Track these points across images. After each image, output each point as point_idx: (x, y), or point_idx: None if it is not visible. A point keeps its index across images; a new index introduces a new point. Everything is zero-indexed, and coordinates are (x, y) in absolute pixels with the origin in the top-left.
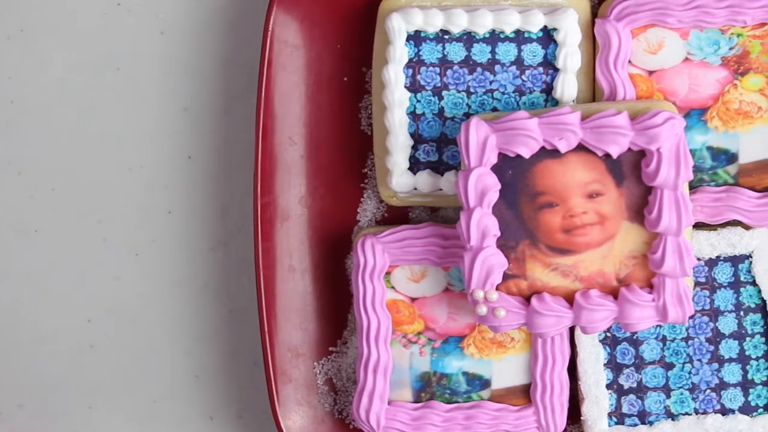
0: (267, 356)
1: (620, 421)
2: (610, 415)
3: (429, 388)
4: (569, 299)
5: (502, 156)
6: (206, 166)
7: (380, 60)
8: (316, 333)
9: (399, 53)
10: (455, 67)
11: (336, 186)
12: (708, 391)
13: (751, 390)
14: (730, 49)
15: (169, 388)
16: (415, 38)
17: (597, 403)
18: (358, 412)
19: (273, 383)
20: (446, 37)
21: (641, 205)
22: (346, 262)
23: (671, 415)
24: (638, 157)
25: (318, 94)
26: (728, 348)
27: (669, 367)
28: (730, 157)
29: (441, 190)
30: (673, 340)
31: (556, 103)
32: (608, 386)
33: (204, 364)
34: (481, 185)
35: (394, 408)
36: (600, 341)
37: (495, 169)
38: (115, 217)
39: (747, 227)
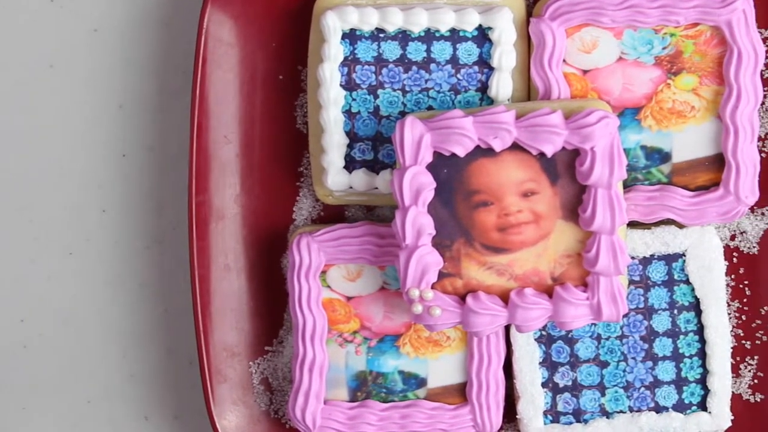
0: (202, 356)
1: (556, 420)
2: (545, 413)
3: (365, 387)
4: (504, 298)
5: (437, 155)
6: (141, 165)
7: (315, 58)
8: (251, 332)
9: (334, 51)
10: (390, 66)
11: (271, 185)
12: (642, 389)
13: (684, 388)
14: (664, 48)
15: (104, 389)
16: (351, 36)
17: (532, 402)
18: (294, 411)
19: (208, 383)
20: (381, 35)
21: (576, 203)
22: (281, 261)
23: (606, 413)
24: (573, 156)
25: (253, 92)
26: (662, 346)
27: (604, 365)
28: (664, 156)
29: (376, 188)
30: (607, 339)
31: (491, 101)
32: (543, 385)
33: (139, 363)
34: (416, 184)
35: (329, 407)
36: (535, 340)
37: (430, 167)
38: (47, 215)
39: (680, 226)
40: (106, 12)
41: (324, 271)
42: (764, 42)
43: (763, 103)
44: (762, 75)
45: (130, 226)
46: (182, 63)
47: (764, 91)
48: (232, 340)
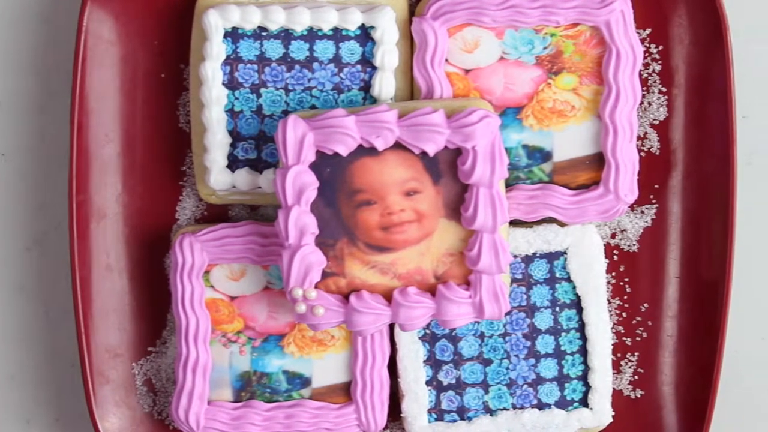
0: (84, 357)
1: (440, 418)
2: (429, 411)
3: (249, 388)
4: (388, 297)
5: (320, 154)
6: (20, 164)
7: (197, 57)
8: (134, 333)
9: (216, 50)
10: (273, 65)
11: (154, 184)
12: (525, 386)
13: (566, 385)
14: (544, 48)
15: None
16: (233, 35)
17: (417, 400)
18: (177, 412)
19: (90, 385)
20: (264, 34)
21: (458, 202)
22: (164, 261)
23: (489, 411)
24: (455, 155)
25: (134, 90)
26: (544, 343)
27: (487, 363)
28: (545, 156)
29: (260, 188)
30: (490, 337)
31: (374, 101)
32: (428, 383)
33: (20, 366)
34: (299, 183)
35: (213, 408)
36: (419, 338)
37: (313, 167)
38: None
39: (562, 224)
40: None
41: (207, 271)
42: (642, 42)
43: (641, 103)
44: (640, 75)
45: (9, 226)
46: (62, 61)
47: (642, 91)
48: (115, 342)
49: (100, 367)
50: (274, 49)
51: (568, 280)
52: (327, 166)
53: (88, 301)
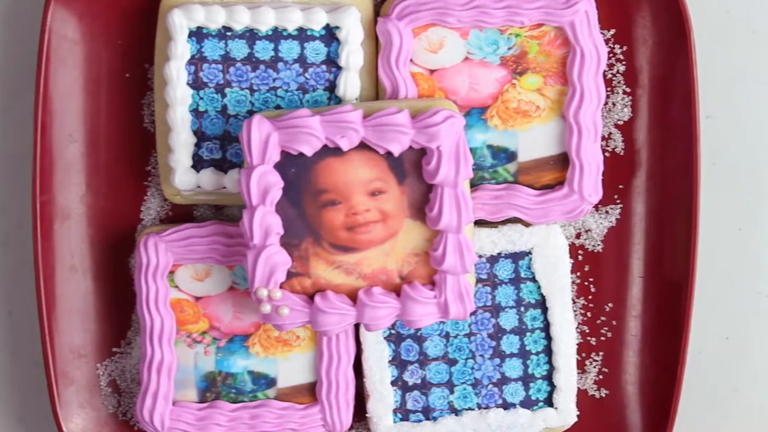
0: (48, 358)
1: (405, 418)
2: (395, 411)
3: (214, 388)
4: (353, 297)
5: (285, 154)
6: None
7: (162, 56)
8: (99, 333)
9: (180, 50)
10: (238, 65)
11: (118, 184)
12: (490, 386)
13: (531, 384)
14: (509, 49)
15: None
16: (197, 35)
17: (382, 400)
18: (142, 413)
19: (54, 385)
20: (229, 34)
21: (423, 202)
22: (129, 262)
23: (455, 411)
24: (419, 155)
25: (99, 90)
26: (509, 343)
27: (452, 363)
28: (510, 156)
29: (225, 188)
30: (456, 337)
31: (339, 101)
32: (393, 383)
33: None
34: (264, 183)
35: (178, 408)
36: (384, 338)
37: (278, 167)
38: None
39: (527, 224)
40: None
41: (172, 272)
42: (607, 43)
43: (605, 104)
44: (605, 76)
45: None
46: (25, 60)
47: (607, 91)
48: (79, 342)
49: (65, 368)
50: (238, 48)
51: (533, 280)
52: (292, 166)
53: (52, 301)
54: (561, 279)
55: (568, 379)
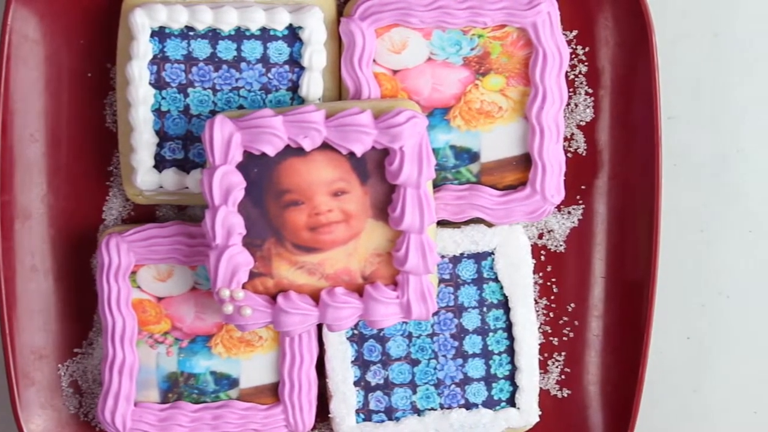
0: (8, 359)
1: (368, 418)
2: (357, 411)
3: (176, 389)
4: (315, 297)
5: (247, 154)
6: None
7: (124, 56)
8: (60, 334)
9: (143, 49)
10: (201, 64)
11: (80, 184)
12: (453, 386)
13: (494, 384)
14: (472, 49)
15: None
16: (160, 34)
17: (345, 400)
18: (104, 414)
19: (15, 386)
20: (191, 33)
21: (386, 203)
22: (91, 262)
23: (417, 411)
24: (382, 155)
25: (60, 89)
26: (472, 343)
27: (415, 363)
28: (473, 156)
29: (187, 188)
30: (418, 337)
31: (302, 101)
32: (356, 383)
33: None
34: (226, 183)
35: (140, 409)
36: (347, 338)
37: (240, 167)
38: None
39: (489, 225)
40: None
41: (134, 272)
42: (569, 44)
43: (567, 104)
44: (567, 76)
45: None
46: None
47: (569, 92)
48: (40, 342)
49: (25, 369)
50: (201, 48)
51: (496, 280)
52: (254, 166)
53: (12, 302)
54: (523, 279)
55: (530, 379)
